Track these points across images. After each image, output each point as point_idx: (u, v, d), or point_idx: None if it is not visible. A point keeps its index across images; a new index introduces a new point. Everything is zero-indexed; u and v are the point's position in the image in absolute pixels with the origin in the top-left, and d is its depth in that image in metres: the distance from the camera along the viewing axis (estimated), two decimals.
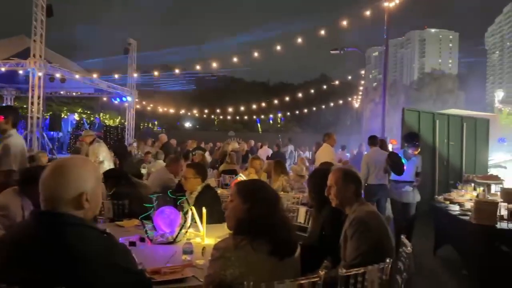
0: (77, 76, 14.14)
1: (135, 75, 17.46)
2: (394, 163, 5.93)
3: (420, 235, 6.60)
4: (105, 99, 20.95)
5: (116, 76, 18.05)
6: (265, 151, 13.77)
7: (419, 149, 6.19)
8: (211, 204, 3.81)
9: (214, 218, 3.60)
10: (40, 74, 12.15)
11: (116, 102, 19.48)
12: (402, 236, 2.81)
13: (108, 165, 7.37)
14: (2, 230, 2.90)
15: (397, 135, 8.65)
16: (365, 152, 9.50)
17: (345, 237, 2.62)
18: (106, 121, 47.87)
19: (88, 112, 50.01)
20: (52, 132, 14.44)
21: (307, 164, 9.56)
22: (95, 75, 15.51)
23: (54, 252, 1.48)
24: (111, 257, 1.57)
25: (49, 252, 1.48)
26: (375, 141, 7.06)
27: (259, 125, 51.13)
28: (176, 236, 3.05)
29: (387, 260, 2.29)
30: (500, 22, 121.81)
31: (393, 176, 6.15)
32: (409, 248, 2.59)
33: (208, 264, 2.01)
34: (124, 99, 18.22)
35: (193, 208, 3.25)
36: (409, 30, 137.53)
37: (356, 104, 34.01)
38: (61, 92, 18.81)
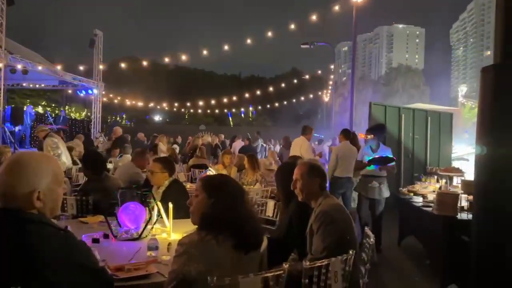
0: (39, 68, 13.62)
1: (101, 67, 16.98)
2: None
3: (386, 227, 6.77)
4: (70, 91, 20.31)
5: (82, 68, 17.51)
6: (239, 145, 13.75)
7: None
8: (178, 199, 3.76)
9: (182, 213, 3.55)
10: (0, 65, 11.63)
11: (81, 94, 18.92)
12: (366, 228, 2.87)
13: (65, 159, 7.19)
14: None
15: (365, 129, 8.78)
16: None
17: (311, 230, 2.66)
18: (72, 114, 46.49)
19: (53, 105, 48.40)
20: (13, 126, 13.85)
21: (277, 158, 9.58)
22: (59, 67, 14.98)
23: (9, 250, 1.42)
24: (69, 255, 1.53)
25: (4, 250, 1.42)
26: (347, 135, 7.14)
27: (230, 118, 50.98)
28: (141, 232, 3.00)
29: (350, 252, 2.33)
30: (464, 19, 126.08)
31: (363, 171, 6.04)
32: (372, 240, 2.65)
33: (172, 260, 1.98)
34: (90, 91, 17.70)
35: (159, 203, 3.20)
36: (377, 25, 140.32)
37: (326, 98, 34.43)
38: (24, 84, 18.10)
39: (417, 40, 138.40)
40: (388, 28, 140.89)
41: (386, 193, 5.83)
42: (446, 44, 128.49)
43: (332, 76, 27.29)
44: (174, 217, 3.22)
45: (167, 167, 4.03)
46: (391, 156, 5.83)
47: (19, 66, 12.60)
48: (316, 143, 15.12)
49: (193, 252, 1.89)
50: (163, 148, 11.00)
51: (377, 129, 6.16)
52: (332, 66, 26.19)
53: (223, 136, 15.73)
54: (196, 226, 2.11)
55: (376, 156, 5.72)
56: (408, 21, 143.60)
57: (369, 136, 5.96)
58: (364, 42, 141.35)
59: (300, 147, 7.77)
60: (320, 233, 2.56)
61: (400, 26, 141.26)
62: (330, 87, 30.53)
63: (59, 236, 1.55)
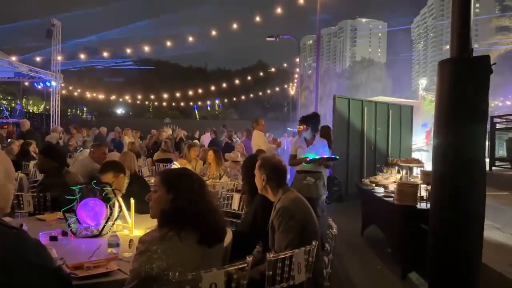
0: None
1: (59, 58, 16.32)
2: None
3: (349, 216, 6.94)
4: (27, 84, 19.42)
5: (38, 59, 16.76)
6: (208, 138, 13.64)
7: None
8: (140, 193, 3.68)
9: (145, 207, 3.49)
10: None
11: (39, 87, 18.13)
12: (330, 219, 2.91)
13: None
14: None
15: (329, 122, 8.92)
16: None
17: (273, 227, 2.68)
18: (29, 107, 44.60)
19: (9, 97, 46.29)
20: None
21: (243, 151, 9.57)
22: (14, 58, 14.27)
23: None
24: (21, 255, 1.47)
25: None
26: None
27: (196, 112, 50.49)
28: (102, 229, 2.91)
29: (313, 243, 2.36)
30: (424, 13, 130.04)
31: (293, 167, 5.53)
32: (334, 230, 2.69)
33: (134, 258, 1.93)
34: (48, 83, 17.00)
35: (120, 199, 3.12)
36: (342, 19, 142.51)
37: (292, 91, 34.71)
38: None
39: (379, 34, 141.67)
40: (352, 22, 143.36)
41: (323, 190, 5.27)
42: (408, 38, 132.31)
43: (297, 69, 27.48)
44: (139, 212, 3.15)
45: (117, 169, 3.86)
46: (334, 156, 5.46)
47: None
48: (291, 137, 15.25)
49: (155, 249, 1.85)
50: (127, 142, 10.76)
51: (310, 119, 5.46)
52: (297, 59, 26.33)
53: (185, 132, 15.55)
54: (157, 222, 2.07)
55: (321, 157, 5.15)
56: (371, 16, 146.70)
57: (302, 127, 5.41)
58: (328, 36, 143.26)
59: (253, 140, 7.96)
60: (281, 230, 2.58)
61: (364, 20, 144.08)
62: (295, 80, 30.79)
63: (10, 234, 1.48)
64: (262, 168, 2.86)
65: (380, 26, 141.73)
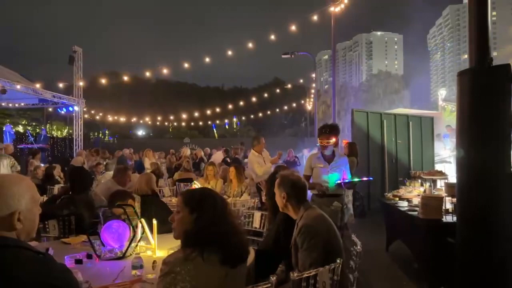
0: (18, 87, 13.37)
1: (81, 83, 16.77)
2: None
3: (373, 232, 6.80)
4: (50, 109, 19.99)
5: (61, 85, 17.26)
6: (220, 157, 13.70)
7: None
8: (159, 213, 3.73)
9: (164, 226, 3.53)
10: None
11: (62, 112, 18.64)
12: (353, 235, 2.87)
13: None
14: None
15: (348, 136, 8.87)
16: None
17: (296, 245, 2.64)
18: (53, 132, 45.78)
19: (34, 123, 47.65)
20: None
21: None
22: (38, 85, 14.73)
23: None
24: (47, 279, 1.48)
25: None
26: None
27: (215, 130, 50.89)
28: (125, 251, 2.93)
29: (338, 261, 2.32)
30: (440, 24, 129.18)
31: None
32: (359, 247, 2.64)
33: (158, 280, 1.93)
34: (71, 109, 17.45)
35: (143, 220, 3.14)
36: (356, 33, 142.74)
37: (309, 106, 34.68)
38: (3, 104, 17.76)
39: (395, 47, 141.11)
40: (367, 36, 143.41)
41: (350, 217, 5.02)
42: (424, 49, 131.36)
43: (314, 85, 27.52)
44: (159, 232, 3.17)
45: (121, 198, 3.70)
46: (357, 179, 5.03)
47: None
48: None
49: (179, 270, 1.85)
50: (147, 164, 10.90)
51: (337, 130, 4.79)
52: (313, 75, 26.41)
53: (209, 150, 15.66)
54: (180, 242, 2.08)
55: (345, 181, 4.63)
56: (386, 28, 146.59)
57: (331, 141, 4.64)
58: (343, 50, 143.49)
59: (248, 162, 7.20)
60: (305, 248, 2.54)
61: (379, 33, 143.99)
62: (312, 96, 30.80)
63: (37, 260, 1.50)
64: (282, 186, 2.83)
65: (395, 39, 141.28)
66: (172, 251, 2.94)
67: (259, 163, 6.68)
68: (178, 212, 2.07)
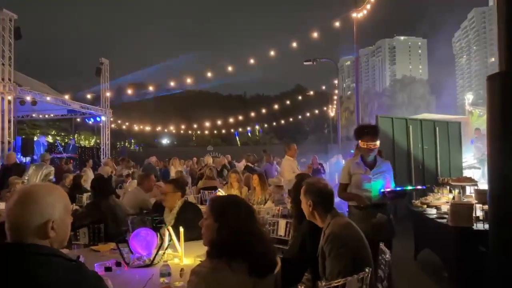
0: (48, 98, 13.84)
1: (108, 94, 17.21)
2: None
3: (400, 240, 6.64)
4: (79, 120, 20.57)
5: (89, 96, 17.78)
6: (243, 165, 13.73)
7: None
8: (193, 220, 3.78)
9: (196, 234, 3.56)
10: (9, 98, 11.86)
11: (90, 122, 19.15)
12: (381, 244, 2.82)
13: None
14: None
15: None
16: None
17: (323, 253, 2.60)
18: (81, 142, 46.97)
19: (63, 133, 49.05)
20: (24, 157, 14.01)
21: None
22: (67, 96, 15.21)
23: (20, 285, 1.42)
24: (80, 286, 1.51)
25: (15, 285, 1.42)
26: None
27: (237, 138, 51.11)
28: (153, 259, 2.97)
29: (366, 270, 2.29)
30: (465, 27, 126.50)
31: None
32: (388, 256, 2.60)
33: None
34: (98, 119, 17.92)
35: (170, 228, 3.18)
36: (379, 38, 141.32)
37: (332, 113, 34.45)
38: (33, 115, 18.39)
39: (419, 51, 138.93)
40: (390, 41, 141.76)
41: (393, 232, 3.98)
42: (449, 53, 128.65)
43: (336, 91, 27.35)
44: (189, 239, 3.20)
45: (179, 187, 4.08)
46: (411, 187, 4.54)
47: (28, 98, 12.81)
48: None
49: (208, 281, 1.84)
50: (172, 172, 11.04)
51: (378, 133, 4.07)
52: (336, 81, 26.25)
53: (230, 157, 15.72)
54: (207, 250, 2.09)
55: (391, 190, 3.92)
56: (409, 33, 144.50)
57: (377, 143, 3.93)
58: (366, 56, 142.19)
59: (282, 166, 7.68)
60: (332, 257, 2.50)
61: (402, 38, 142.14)
62: (335, 102, 30.60)
63: (70, 267, 1.54)
64: (307, 194, 2.81)
65: (419, 43, 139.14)
66: (199, 259, 2.97)
67: (292, 168, 7.01)
68: (206, 218, 2.08)
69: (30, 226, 1.51)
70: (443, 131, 10.26)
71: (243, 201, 2.18)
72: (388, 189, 3.89)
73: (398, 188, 3.94)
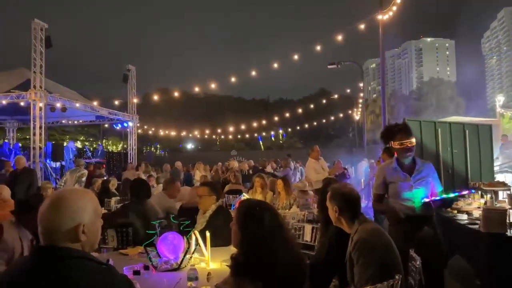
0: (77, 105, 14.25)
1: (135, 100, 17.57)
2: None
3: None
4: (106, 125, 21.07)
5: (117, 102, 18.19)
6: (269, 170, 13.78)
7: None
8: (224, 225, 3.81)
9: (222, 240, 3.59)
10: (41, 104, 12.26)
11: (117, 128, 19.58)
12: (411, 250, 2.75)
13: None
14: (3, 265, 2.85)
15: None
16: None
17: (351, 260, 2.56)
18: (109, 147, 48.05)
19: (91, 139, 50.34)
20: (54, 162, 14.46)
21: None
22: (95, 103, 15.62)
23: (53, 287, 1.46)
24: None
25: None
26: (392, 153, 6.84)
27: (261, 142, 51.18)
28: (181, 262, 3.00)
29: (396, 277, 2.24)
30: (495, 27, 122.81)
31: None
32: (418, 263, 2.53)
33: None
34: (125, 124, 18.31)
35: (196, 232, 3.21)
36: (405, 40, 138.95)
37: (357, 116, 34.05)
38: (63, 121, 18.94)
39: (447, 52, 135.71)
40: (416, 42, 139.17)
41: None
42: (478, 54, 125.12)
43: (361, 94, 27.02)
44: (216, 244, 3.22)
45: (214, 190, 4.11)
46: (453, 194, 3.88)
47: (58, 105, 13.21)
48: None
49: None
50: (197, 177, 11.15)
51: (411, 129, 3.55)
52: (361, 84, 25.95)
53: (252, 162, 15.76)
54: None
55: (435, 199, 3.42)
56: (436, 34, 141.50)
57: (414, 142, 3.42)
58: (392, 58, 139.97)
59: (306, 168, 7.79)
60: (360, 264, 2.46)
61: (429, 39, 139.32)
62: (360, 105, 30.24)
63: (101, 270, 1.57)
64: (333, 200, 2.77)
65: (447, 44, 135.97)
66: (225, 264, 2.98)
67: (316, 170, 7.08)
68: (234, 223, 2.08)
69: (61, 230, 1.55)
70: (473, 134, 9.94)
71: (269, 208, 2.10)
72: (433, 198, 3.34)
73: (443, 196, 3.40)
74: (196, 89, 18.14)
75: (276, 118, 31.86)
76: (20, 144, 16.62)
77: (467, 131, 9.85)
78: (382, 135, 3.58)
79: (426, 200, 3.32)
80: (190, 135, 32.88)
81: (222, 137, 43.98)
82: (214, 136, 41.32)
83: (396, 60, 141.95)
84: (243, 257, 1.91)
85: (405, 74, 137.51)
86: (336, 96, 48.08)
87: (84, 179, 9.76)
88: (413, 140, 3.36)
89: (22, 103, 13.19)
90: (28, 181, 8.01)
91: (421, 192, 3.35)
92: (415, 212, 3.32)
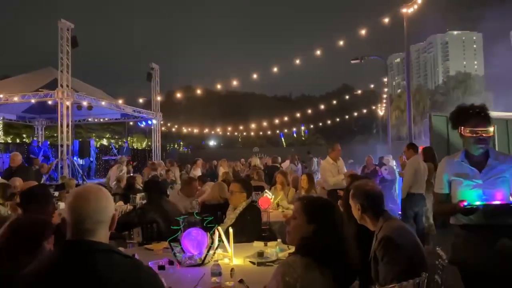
0: (103, 103, 14.54)
1: (159, 98, 17.80)
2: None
3: None
4: (131, 123, 21.43)
5: (141, 100, 18.47)
6: (287, 166, 13.73)
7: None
8: (253, 222, 3.86)
9: (249, 236, 3.63)
10: (68, 103, 12.57)
11: (142, 125, 19.90)
12: (438, 248, 2.69)
13: None
14: None
15: (426, 143, 8.40)
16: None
17: (375, 258, 2.52)
18: (134, 144, 48.89)
19: (117, 137, 51.34)
20: (81, 159, 14.83)
21: None
22: (120, 101, 15.91)
23: (81, 281, 1.50)
24: (137, 280, 1.58)
25: (76, 281, 1.50)
26: (416, 149, 6.75)
27: (283, 139, 51.04)
28: (204, 258, 3.02)
29: (423, 275, 2.19)
30: None
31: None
32: (445, 260, 2.47)
33: (274, 278, 1.87)
34: (149, 122, 18.59)
35: (219, 228, 3.23)
36: (430, 34, 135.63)
37: (381, 112, 33.49)
38: (89, 119, 19.38)
39: (474, 46, 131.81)
40: (442, 36, 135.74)
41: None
42: (507, 47, 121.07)
43: (386, 89, 26.54)
44: (238, 241, 3.23)
45: (246, 188, 4.12)
46: None
47: (84, 103, 13.53)
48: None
49: (298, 275, 1.80)
50: (220, 173, 11.21)
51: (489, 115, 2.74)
52: (385, 79, 25.51)
53: (271, 160, 15.69)
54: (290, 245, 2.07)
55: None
56: (463, 27, 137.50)
57: (491, 130, 2.66)
58: (417, 52, 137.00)
59: (321, 169, 7.27)
60: (385, 262, 2.41)
61: (455, 32, 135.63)
62: (384, 101, 29.74)
63: (127, 263, 1.61)
64: (355, 198, 2.73)
65: (474, 37, 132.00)
66: (249, 260, 2.99)
67: (332, 172, 6.62)
68: (295, 218, 2.04)
69: (89, 224, 1.60)
70: (502, 129, 9.67)
71: (337, 206, 2.12)
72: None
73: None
74: (218, 86, 18.22)
75: (298, 115, 31.65)
76: (46, 141, 17.07)
77: (496, 126, 9.56)
78: (452, 117, 2.83)
79: (500, 203, 2.50)
80: (213, 132, 33.13)
81: (244, 134, 44.07)
82: (236, 133, 41.48)
83: (422, 54, 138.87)
84: (313, 245, 1.91)
85: (431, 69, 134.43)
86: (359, 91, 47.49)
87: (122, 173, 10.09)
88: (491, 129, 2.62)
89: (49, 102, 13.58)
90: (24, 179, 7.14)
91: (495, 193, 2.55)
92: (487, 219, 2.52)
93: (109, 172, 10.38)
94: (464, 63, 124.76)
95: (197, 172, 11.28)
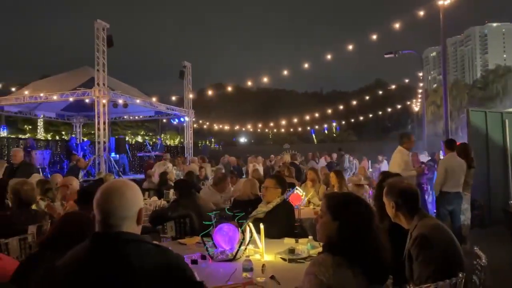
0: (138, 101, 14.88)
1: (191, 96, 18.04)
2: None
3: (496, 244, 6.10)
4: (164, 120, 21.82)
5: (173, 98, 18.78)
6: (323, 163, 13.64)
7: None
8: (285, 219, 3.88)
9: (280, 232, 3.64)
10: (104, 101, 12.94)
11: (175, 122, 20.23)
12: (476, 248, 2.60)
13: None
14: None
15: (463, 139, 8.11)
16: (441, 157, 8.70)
17: (410, 256, 2.46)
18: (167, 141, 49.88)
19: (151, 134, 52.52)
20: (117, 155, 15.25)
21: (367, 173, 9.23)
22: (154, 99, 16.24)
23: (117, 271, 1.56)
24: (167, 266, 1.64)
25: (113, 272, 1.56)
26: (452, 146, 6.54)
27: (313, 135, 50.58)
28: (236, 253, 3.06)
29: (460, 275, 2.13)
30: None
31: None
32: (484, 261, 2.39)
33: (306, 278, 1.83)
34: (182, 119, 18.88)
35: (250, 224, 3.25)
36: (468, 26, 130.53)
37: (416, 107, 32.57)
38: (125, 117, 19.90)
39: None
40: (481, 28, 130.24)
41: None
42: None
43: (421, 84, 25.74)
44: (269, 235, 3.24)
45: (280, 184, 4.13)
46: None
47: (120, 101, 13.89)
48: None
49: (330, 274, 1.76)
50: (251, 170, 11.27)
51: None
52: (420, 74, 24.73)
53: (298, 157, 15.57)
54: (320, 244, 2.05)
55: None
56: (503, 19, 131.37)
57: None
58: (454, 45, 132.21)
59: (392, 159, 6.60)
60: (420, 261, 2.35)
61: (494, 24, 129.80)
62: (419, 96, 28.89)
63: (157, 251, 1.67)
64: (389, 195, 2.68)
65: None
66: (280, 256, 3.00)
67: (406, 164, 6.17)
68: (321, 216, 2.01)
69: (114, 220, 1.66)
70: None
71: (363, 201, 2.05)
72: None
73: None
74: (249, 83, 18.27)
75: (329, 111, 31.27)
76: (88, 140, 17.62)
77: None
78: None
79: None
80: (243, 129, 33.26)
81: (275, 130, 44.00)
82: (266, 130, 41.50)
83: (459, 48, 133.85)
84: (341, 243, 1.87)
85: (469, 62, 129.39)
86: (393, 86, 46.35)
87: (168, 168, 10.45)
88: None
89: (87, 100, 14.04)
90: (26, 176, 6.20)
91: None
92: None
93: (154, 167, 10.83)
94: (504, 56, 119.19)
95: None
